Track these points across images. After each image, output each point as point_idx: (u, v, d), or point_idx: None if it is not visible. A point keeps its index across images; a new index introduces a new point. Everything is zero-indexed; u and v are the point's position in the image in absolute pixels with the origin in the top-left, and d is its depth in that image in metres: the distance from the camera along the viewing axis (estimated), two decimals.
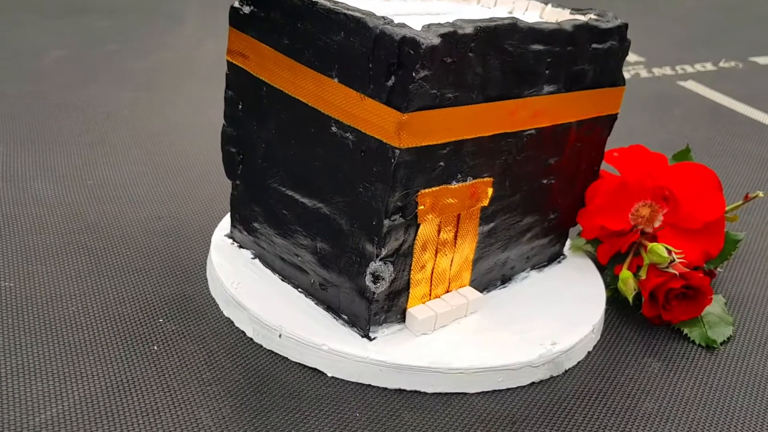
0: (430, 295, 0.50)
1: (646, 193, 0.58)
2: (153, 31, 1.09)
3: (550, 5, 0.58)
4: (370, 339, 0.47)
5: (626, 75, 1.05)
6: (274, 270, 0.54)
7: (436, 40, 0.40)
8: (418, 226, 0.46)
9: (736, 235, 0.60)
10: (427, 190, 0.45)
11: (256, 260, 0.55)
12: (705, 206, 0.57)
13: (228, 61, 0.52)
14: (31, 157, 0.69)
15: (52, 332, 0.46)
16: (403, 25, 0.41)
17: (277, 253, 0.53)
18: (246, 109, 0.52)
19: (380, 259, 0.45)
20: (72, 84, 0.87)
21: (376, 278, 0.46)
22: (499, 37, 0.44)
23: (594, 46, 0.51)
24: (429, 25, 0.41)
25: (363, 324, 0.47)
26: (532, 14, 0.58)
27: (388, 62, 0.41)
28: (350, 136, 0.45)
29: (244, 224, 0.55)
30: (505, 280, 0.56)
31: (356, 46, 0.42)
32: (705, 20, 1.42)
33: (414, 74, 0.41)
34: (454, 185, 0.47)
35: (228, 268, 0.53)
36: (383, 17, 0.42)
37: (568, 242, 0.62)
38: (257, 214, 0.53)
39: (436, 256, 0.49)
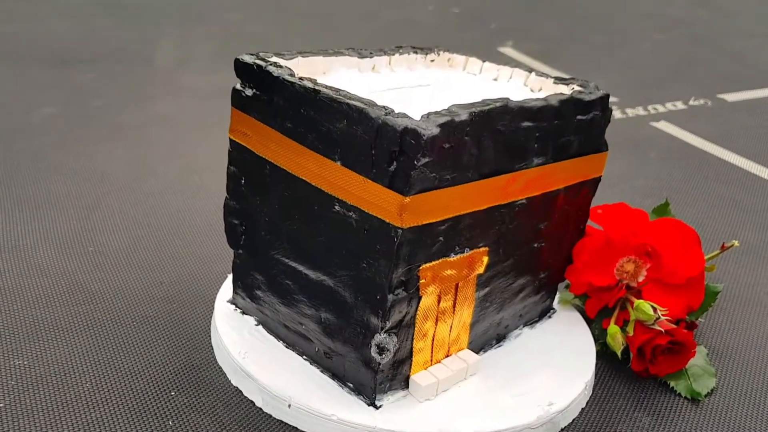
0: (431, 360, 0.52)
1: (630, 249, 0.61)
2: (137, 82, 1.11)
3: (533, 74, 0.61)
4: (376, 407, 0.49)
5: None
6: (278, 337, 0.55)
7: (436, 130, 0.43)
8: (419, 298, 0.48)
9: (716, 287, 0.63)
10: (428, 265, 0.47)
11: (260, 327, 0.57)
12: (686, 262, 0.60)
13: (230, 139, 0.54)
14: (30, 223, 0.70)
15: (70, 412, 0.47)
16: (403, 115, 0.44)
17: (281, 321, 0.55)
18: (249, 184, 0.54)
19: (385, 332, 0.47)
20: (63, 143, 0.88)
21: (381, 350, 0.48)
22: (492, 120, 0.47)
23: (579, 117, 0.54)
24: (428, 115, 0.44)
25: (369, 392, 0.49)
26: (517, 81, 0.61)
27: (390, 150, 0.44)
28: (353, 215, 0.47)
29: (246, 291, 0.57)
30: (500, 338, 0.58)
31: (359, 133, 0.45)
32: (674, 53, 1.47)
33: (415, 162, 0.43)
34: (453, 258, 0.49)
35: (233, 336, 0.55)
36: (384, 107, 0.45)
37: (557, 296, 0.65)
38: (260, 283, 0.55)
39: (436, 324, 0.51)
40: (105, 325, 0.57)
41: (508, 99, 0.49)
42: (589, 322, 0.63)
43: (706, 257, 0.67)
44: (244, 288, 0.57)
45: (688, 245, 0.61)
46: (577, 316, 0.63)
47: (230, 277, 0.60)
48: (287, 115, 0.49)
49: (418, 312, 0.49)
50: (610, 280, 0.61)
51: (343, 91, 0.47)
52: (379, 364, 0.48)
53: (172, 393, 0.50)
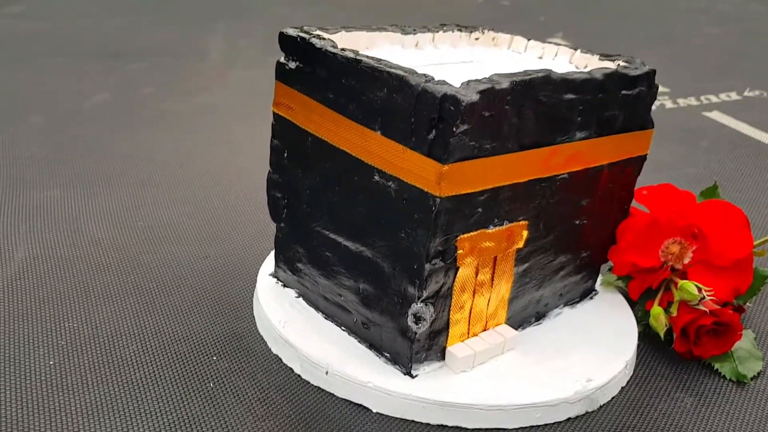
0: (468, 333, 0.52)
1: (676, 230, 0.60)
2: (183, 73, 1.14)
3: (578, 51, 0.60)
4: (412, 376, 0.49)
5: (652, 107, 1.08)
6: (317, 308, 0.56)
7: (475, 97, 0.43)
8: (457, 269, 0.48)
9: (765, 271, 0.62)
10: (465, 235, 0.48)
11: (300, 299, 0.58)
12: (733, 244, 0.59)
13: (274, 112, 0.55)
14: (84, 200, 0.73)
15: (117, 371, 0.49)
16: (443, 83, 0.44)
17: (320, 293, 0.56)
18: (291, 157, 0.55)
19: (421, 301, 0.48)
20: (114, 128, 0.91)
21: (418, 319, 0.48)
22: (533, 89, 0.47)
23: (624, 92, 0.54)
24: (468, 82, 0.44)
25: (405, 362, 0.50)
26: (562, 59, 0.61)
27: (429, 117, 0.44)
28: (392, 185, 0.47)
29: (288, 264, 0.58)
30: (540, 316, 0.58)
31: (399, 102, 0.45)
32: (726, 47, 1.43)
33: (454, 129, 0.43)
34: (491, 229, 0.49)
35: (274, 307, 0.56)
36: (424, 75, 0.45)
37: (599, 278, 0.64)
38: (301, 255, 0.56)
39: (474, 297, 0.51)
40: (152, 293, 0.58)
41: (551, 70, 0.49)
42: (632, 304, 0.62)
43: (756, 242, 0.66)
44: (286, 261, 0.58)
45: (736, 226, 0.60)
46: (620, 298, 0.62)
47: (272, 253, 0.61)
48: (329, 86, 0.50)
49: (455, 283, 0.49)
50: (655, 261, 0.60)
51: (385, 60, 0.47)
52: (416, 333, 0.48)
53: (214, 358, 0.52)
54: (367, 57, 0.48)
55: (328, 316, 0.55)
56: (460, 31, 0.62)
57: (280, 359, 0.53)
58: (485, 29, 0.64)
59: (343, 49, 0.49)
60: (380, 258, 0.50)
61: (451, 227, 0.47)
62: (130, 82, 1.07)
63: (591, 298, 0.62)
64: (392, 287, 0.49)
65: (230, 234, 0.69)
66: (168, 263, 0.63)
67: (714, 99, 1.11)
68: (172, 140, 0.89)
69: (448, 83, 0.44)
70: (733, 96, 1.13)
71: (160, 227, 0.69)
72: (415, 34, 0.60)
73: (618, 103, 0.54)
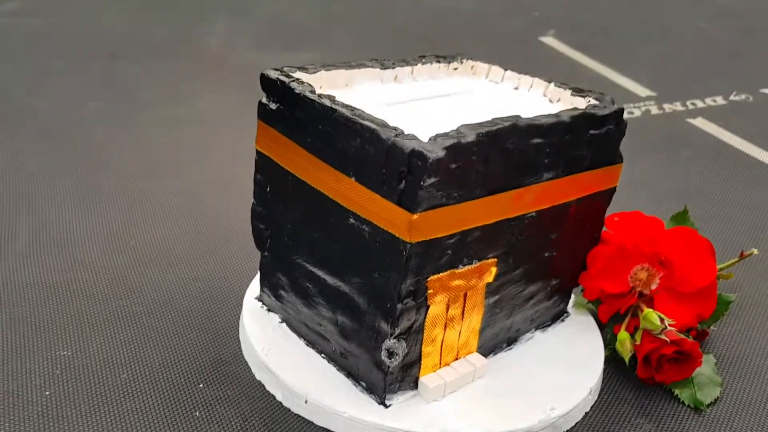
0: (440, 363, 0.55)
1: (644, 257, 0.62)
2: (182, 77, 1.15)
3: (552, 84, 0.62)
4: (386, 406, 0.53)
5: (637, 112, 1.10)
6: (299, 335, 0.59)
7: (441, 153, 0.45)
8: (428, 306, 0.51)
9: (728, 297, 0.64)
10: (435, 276, 0.50)
11: (284, 324, 0.60)
12: (698, 272, 0.62)
13: (257, 149, 0.57)
14: (78, 219, 0.75)
15: (109, 400, 0.52)
16: (412, 137, 0.46)
17: (302, 320, 0.59)
18: (273, 191, 0.57)
19: (394, 337, 0.51)
20: (111, 137, 0.93)
21: (391, 354, 0.51)
22: (500, 138, 0.49)
23: (591, 132, 0.56)
24: (435, 137, 0.46)
25: (380, 392, 0.53)
26: (536, 92, 0.63)
27: (398, 170, 0.46)
28: (366, 228, 0.50)
29: (272, 290, 0.61)
30: (511, 341, 0.61)
31: (371, 152, 0.48)
32: (719, 44, 1.44)
33: (422, 182, 0.46)
34: (461, 269, 0.52)
35: (258, 333, 0.59)
36: (395, 128, 0.47)
37: (572, 299, 0.67)
38: (284, 284, 0.59)
39: (445, 330, 0.54)
40: (142, 319, 0.61)
41: (518, 117, 0.51)
42: (601, 326, 0.65)
43: (724, 265, 0.69)
44: (270, 287, 0.61)
45: (701, 255, 0.62)
46: (590, 321, 0.65)
47: (258, 275, 0.64)
48: (307, 130, 0.52)
49: (426, 319, 0.52)
50: (623, 287, 0.63)
51: (358, 110, 0.50)
52: (389, 367, 0.51)
53: (201, 385, 0.55)
54: (343, 105, 0.50)
55: (309, 343, 0.58)
56: (439, 62, 0.64)
57: (263, 386, 0.56)
58: (463, 59, 0.66)
59: (320, 96, 0.52)
60: (356, 294, 0.52)
61: (422, 269, 0.49)
62: (127, 87, 1.10)
63: (562, 320, 0.65)
64: (367, 322, 0.52)
65: (220, 252, 0.72)
66: (158, 286, 0.66)
67: (700, 104, 1.13)
68: (169, 149, 0.91)
69: (416, 138, 0.46)
70: (719, 101, 1.15)
71: (152, 248, 0.72)
72: (393, 68, 0.62)
73: (585, 142, 0.56)
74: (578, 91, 0.60)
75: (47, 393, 0.52)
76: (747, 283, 0.73)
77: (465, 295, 0.54)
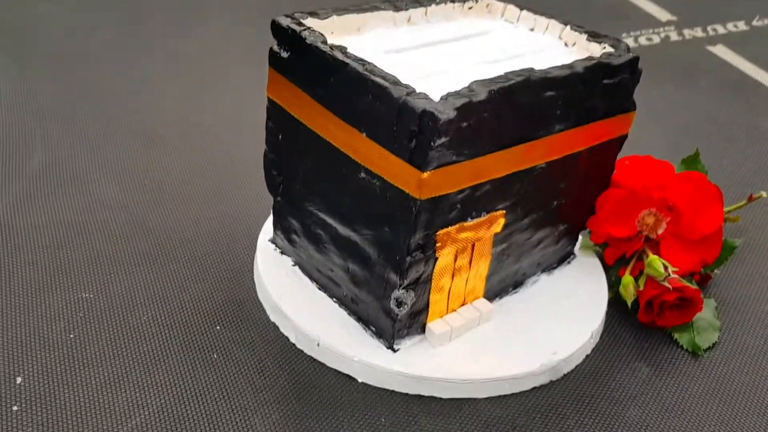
0: (447, 309, 0.57)
1: (652, 202, 0.63)
2: (195, 6, 1.13)
3: (569, 27, 0.61)
4: (394, 351, 0.55)
5: (656, 38, 1.07)
6: (311, 278, 0.61)
7: (452, 114, 0.45)
8: (436, 258, 0.52)
9: (734, 242, 0.65)
10: (444, 230, 0.51)
11: (296, 268, 0.62)
12: (704, 219, 0.62)
13: (268, 96, 0.57)
14: (93, 157, 0.76)
15: (130, 343, 0.54)
16: (424, 96, 0.46)
17: (314, 265, 0.60)
18: (285, 139, 0.58)
19: (402, 288, 0.52)
20: (122, 70, 0.92)
21: (400, 303, 0.53)
22: (513, 94, 0.49)
23: (605, 81, 0.55)
24: (447, 96, 0.46)
25: (388, 337, 0.55)
26: (552, 35, 0.62)
27: (409, 129, 0.46)
28: (377, 183, 0.51)
29: (284, 234, 0.62)
30: (517, 285, 0.63)
31: (382, 110, 0.48)
32: None
33: (432, 143, 0.46)
34: (470, 222, 0.53)
35: (272, 275, 0.61)
36: (406, 87, 0.47)
37: (579, 240, 0.68)
38: (296, 228, 0.60)
39: (453, 279, 0.55)
40: (160, 261, 0.63)
41: (531, 71, 0.50)
42: (606, 268, 0.66)
43: (732, 207, 0.69)
44: (283, 230, 0.62)
45: (708, 202, 0.63)
46: (596, 263, 0.67)
47: (272, 216, 0.65)
48: (318, 81, 0.52)
49: (434, 270, 0.53)
50: (630, 231, 0.63)
51: (370, 64, 0.49)
52: (397, 315, 0.53)
53: (218, 327, 0.57)
54: (355, 59, 0.49)
55: (321, 287, 0.60)
56: (453, 1, 0.63)
57: (277, 327, 0.59)
58: None
59: (332, 47, 0.51)
60: (366, 244, 0.54)
61: (431, 224, 0.50)
62: (138, 15, 1.07)
63: (569, 262, 0.67)
64: (377, 272, 0.54)
65: (233, 192, 0.73)
66: (173, 227, 0.67)
67: (721, 30, 1.10)
68: (180, 87, 0.91)
69: (427, 97, 0.46)
70: (741, 26, 1.11)
71: (166, 187, 0.73)
72: (407, 9, 0.60)
73: (599, 92, 0.55)
74: (594, 36, 0.59)
75: (71, 336, 0.54)
76: (754, 226, 0.73)
77: (473, 245, 0.55)
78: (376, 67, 0.49)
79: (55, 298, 0.58)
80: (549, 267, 0.65)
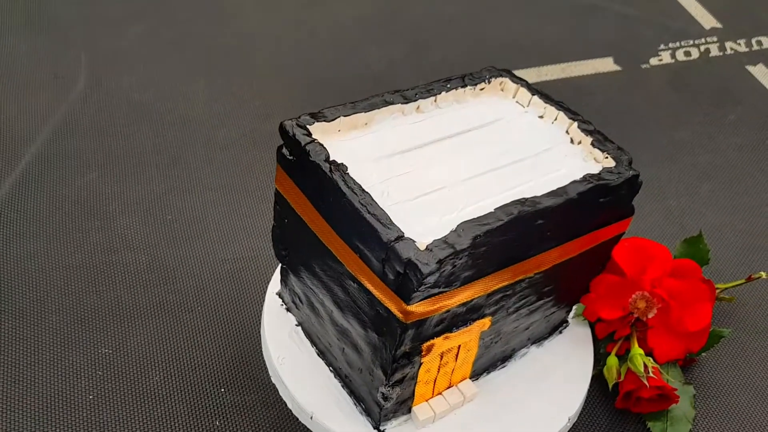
0: (433, 393, 0.61)
1: (644, 289, 0.65)
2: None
3: (576, 124, 0.61)
4: (380, 431, 0.60)
5: (695, 53, 1.03)
6: (312, 342, 0.66)
7: (434, 267, 0.48)
8: (422, 363, 0.56)
9: (721, 332, 0.67)
10: (430, 342, 0.55)
11: (299, 328, 0.67)
12: (693, 317, 0.64)
13: (275, 187, 0.60)
14: (115, 186, 0.80)
15: (143, 406, 0.61)
16: (410, 244, 0.48)
17: (314, 332, 0.65)
18: (291, 225, 0.60)
19: (388, 386, 0.56)
20: (150, 79, 0.94)
21: (386, 398, 0.57)
22: (500, 233, 0.51)
23: (601, 200, 0.56)
24: (432, 247, 0.48)
25: (375, 419, 0.60)
26: (560, 127, 0.62)
27: (396, 269, 0.49)
28: (367, 296, 0.54)
29: (289, 294, 0.67)
30: (506, 359, 0.66)
31: (374, 244, 0.50)
32: None
33: (416, 287, 0.49)
34: (455, 331, 0.56)
35: (276, 335, 0.66)
36: (396, 230, 0.49)
37: (573, 309, 0.70)
38: (299, 295, 0.64)
39: (438, 372, 0.59)
40: (176, 310, 0.68)
41: (522, 203, 0.51)
42: (596, 339, 0.69)
43: (729, 285, 0.71)
44: (288, 291, 0.66)
45: (698, 300, 0.64)
46: (587, 333, 0.70)
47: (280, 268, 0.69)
48: (320, 194, 0.54)
49: (420, 369, 0.57)
50: (621, 312, 0.66)
51: (366, 196, 0.51)
52: (383, 405, 0.58)
53: (222, 390, 0.63)
54: (354, 189, 0.51)
55: (320, 353, 0.65)
56: (464, 87, 0.63)
57: (277, 390, 0.64)
58: (491, 77, 0.64)
59: (332, 167, 0.53)
60: (359, 338, 0.58)
61: (417, 338, 0.54)
62: (168, 11, 1.07)
63: (560, 332, 0.70)
64: (366, 363, 0.58)
65: (249, 230, 0.77)
66: (190, 270, 0.72)
67: (766, 43, 1.05)
68: (206, 96, 0.92)
69: (414, 244, 0.48)
70: None
71: (186, 221, 0.76)
72: (416, 100, 0.61)
73: (595, 210, 0.56)
74: (599, 142, 0.59)
75: (90, 397, 0.61)
76: (753, 301, 0.75)
77: (459, 345, 0.58)
78: (371, 201, 0.51)
79: (78, 354, 0.64)
80: (539, 339, 0.68)
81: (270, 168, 0.83)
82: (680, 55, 1.01)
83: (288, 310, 0.68)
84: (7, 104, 0.87)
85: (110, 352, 0.64)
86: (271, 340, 0.65)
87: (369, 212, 0.50)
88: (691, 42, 1.03)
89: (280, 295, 0.69)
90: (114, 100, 0.90)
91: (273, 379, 0.65)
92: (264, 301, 0.69)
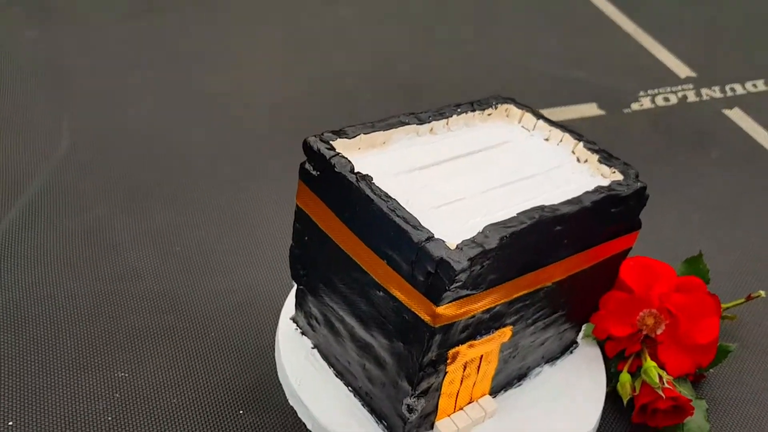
0: (455, 408, 0.62)
1: (652, 306, 0.67)
2: (225, 38, 1.16)
3: (582, 144, 0.64)
4: None
5: (673, 98, 1.09)
6: (329, 363, 0.66)
7: (466, 264, 0.49)
8: (446, 372, 0.57)
9: (728, 347, 0.69)
10: (455, 349, 0.56)
11: (315, 351, 0.67)
12: (701, 331, 0.66)
13: (297, 204, 0.61)
14: (124, 218, 0.80)
15: (162, 425, 0.60)
16: (441, 244, 0.50)
17: (332, 352, 0.65)
18: (311, 242, 0.62)
19: (414, 397, 0.57)
20: (157, 113, 0.96)
21: (411, 410, 0.57)
22: (523, 236, 0.53)
23: (612, 210, 0.59)
24: (462, 246, 0.50)
25: None
26: (565, 148, 0.65)
27: (427, 269, 0.51)
28: (394, 304, 0.55)
29: (305, 317, 0.67)
30: (521, 378, 0.67)
31: (403, 247, 0.52)
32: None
33: (447, 285, 0.50)
34: (479, 339, 0.57)
35: (292, 359, 0.66)
36: (426, 232, 0.51)
37: (582, 328, 0.72)
38: (316, 316, 0.65)
39: (461, 384, 0.60)
40: (187, 336, 0.68)
41: (542, 210, 0.54)
42: (606, 357, 0.70)
43: (730, 305, 0.73)
44: (304, 314, 0.67)
45: (705, 314, 0.66)
46: (597, 352, 0.71)
47: (294, 291, 0.70)
48: (346, 206, 0.56)
49: (444, 379, 0.58)
50: (630, 329, 0.67)
51: (393, 201, 0.53)
52: (408, 418, 0.58)
53: (241, 411, 0.62)
54: (381, 196, 0.53)
55: (338, 374, 0.65)
56: (473, 111, 0.66)
57: (296, 412, 0.64)
58: (498, 103, 0.68)
59: (358, 177, 0.55)
60: (382, 350, 0.58)
61: (444, 345, 0.54)
62: (165, 43, 1.11)
63: (571, 352, 0.71)
64: (391, 376, 0.58)
65: (257, 259, 0.77)
66: (199, 300, 0.72)
67: (739, 90, 1.11)
68: (204, 135, 0.95)
69: (444, 245, 0.50)
70: (760, 86, 1.13)
71: (194, 253, 0.77)
72: (429, 122, 0.64)
73: (606, 220, 0.59)
74: (605, 159, 0.62)
75: (110, 418, 0.60)
76: (754, 321, 0.77)
77: (481, 356, 0.59)
78: (398, 205, 0.53)
79: (95, 378, 0.63)
80: (552, 358, 0.69)
81: (274, 200, 0.84)
82: (660, 101, 1.07)
83: (303, 333, 0.68)
84: (10, 141, 0.88)
85: (127, 375, 0.63)
86: (287, 363, 0.65)
87: (398, 215, 0.52)
88: (669, 89, 1.09)
89: (294, 319, 0.69)
90: (120, 134, 0.91)
91: (291, 401, 0.64)
92: (277, 326, 0.69)
